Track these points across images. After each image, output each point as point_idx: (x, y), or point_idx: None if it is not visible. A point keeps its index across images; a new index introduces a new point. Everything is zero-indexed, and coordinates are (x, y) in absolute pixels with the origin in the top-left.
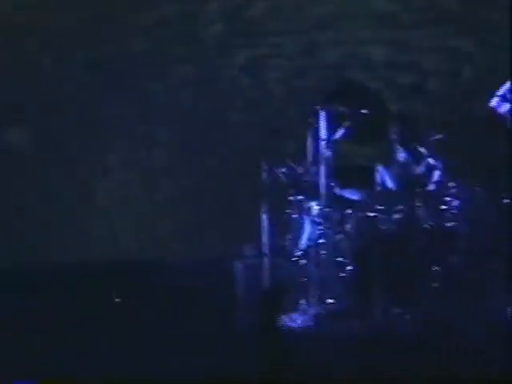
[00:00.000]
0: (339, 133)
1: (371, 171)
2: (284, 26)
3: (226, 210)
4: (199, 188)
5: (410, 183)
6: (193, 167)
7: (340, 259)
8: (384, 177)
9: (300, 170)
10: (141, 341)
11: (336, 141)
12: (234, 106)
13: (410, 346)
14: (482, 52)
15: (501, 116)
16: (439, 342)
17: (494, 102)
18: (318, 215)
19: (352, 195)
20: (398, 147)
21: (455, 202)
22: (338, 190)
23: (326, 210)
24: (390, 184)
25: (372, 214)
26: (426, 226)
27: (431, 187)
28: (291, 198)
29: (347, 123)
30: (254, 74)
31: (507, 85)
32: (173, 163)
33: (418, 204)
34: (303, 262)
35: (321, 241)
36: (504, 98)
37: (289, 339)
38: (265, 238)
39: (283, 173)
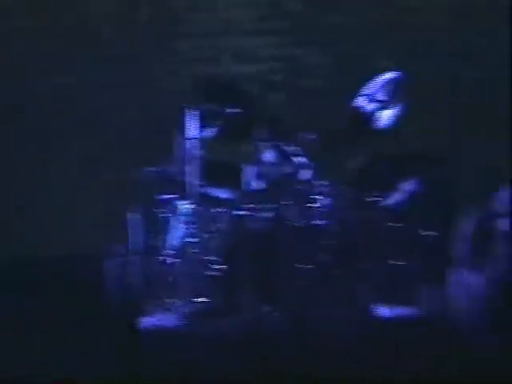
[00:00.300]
0: (208, 131)
1: (240, 170)
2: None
3: (96, 209)
4: (70, 186)
5: (278, 182)
6: (62, 164)
7: (209, 258)
8: (253, 175)
9: (169, 168)
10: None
11: (205, 139)
12: (103, 104)
13: (279, 344)
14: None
15: (365, 115)
16: (307, 340)
17: (358, 101)
18: (188, 214)
19: (221, 194)
20: (267, 146)
21: (323, 201)
22: (207, 189)
23: (196, 208)
24: (258, 183)
25: (241, 213)
26: (294, 224)
27: (299, 186)
28: (160, 196)
29: (216, 122)
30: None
31: (372, 84)
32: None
33: (286, 202)
34: (172, 260)
35: (190, 239)
36: (368, 98)
37: (157, 339)
38: (134, 237)
39: (152, 171)
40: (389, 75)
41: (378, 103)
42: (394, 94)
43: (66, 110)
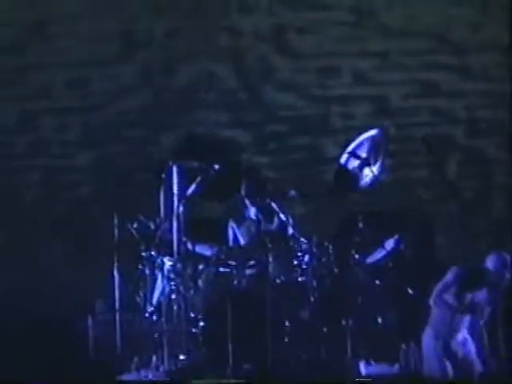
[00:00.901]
0: (191, 188)
1: (223, 227)
2: None
3: (78, 264)
4: (48, 240)
5: (261, 239)
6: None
7: (192, 315)
8: (236, 232)
9: (152, 225)
10: None
11: (188, 196)
12: (82, 160)
13: None
14: None
15: (350, 172)
16: None
17: (343, 158)
18: (170, 270)
19: (204, 251)
20: (249, 203)
21: (306, 258)
22: (190, 246)
23: (179, 265)
24: (241, 239)
25: (224, 270)
26: (277, 280)
27: (283, 243)
28: (143, 253)
29: (199, 178)
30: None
31: (356, 142)
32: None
33: (269, 259)
34: (155, 317)
35: (173, 296)
36: (353, 155)
37: None
38: (116, 294)
39: (135, 228)
40: (371, 133)
41: (360, 160)
42: (376, 151)
43: None
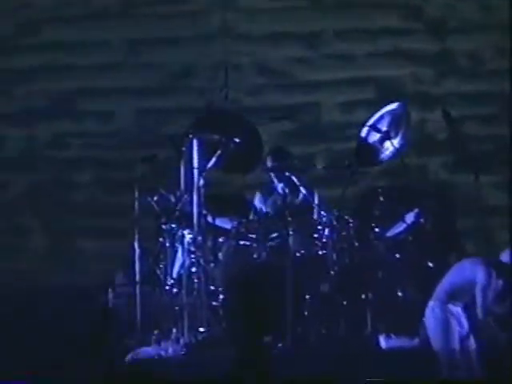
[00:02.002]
0: (211, 161)
1: (243, 200)
2: None
3: (99, 237)
4: (71, 214)
5: (282, 212)
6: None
7: (212, 288)
8: (256, 205)
9: (172, 198)
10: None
11: (208, 169)
12: (105, 131)
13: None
14: None
15: (370, 146)
16: (309, 370)
17: (363, 132)
18: (191, 243)
19: (224, 224)
20: (270, 176)
21: (326, 231)
22: (210, 219)
23: (199, 238)
24: (262, 212)
25: (244, 243)
26: (297, 254)
27: (303, 216)
28: (164, 226)
29: (219, 151)
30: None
31: (377, 115)
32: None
33: (290, 232)
34: (175, 290)
35: (193, 269)
36: (374, 128)
37: (159, 368)
38: (137, 266)
39: (155, 201)
40: (391, 106)
41: (381, 134)
42: (397, 124)
43: None
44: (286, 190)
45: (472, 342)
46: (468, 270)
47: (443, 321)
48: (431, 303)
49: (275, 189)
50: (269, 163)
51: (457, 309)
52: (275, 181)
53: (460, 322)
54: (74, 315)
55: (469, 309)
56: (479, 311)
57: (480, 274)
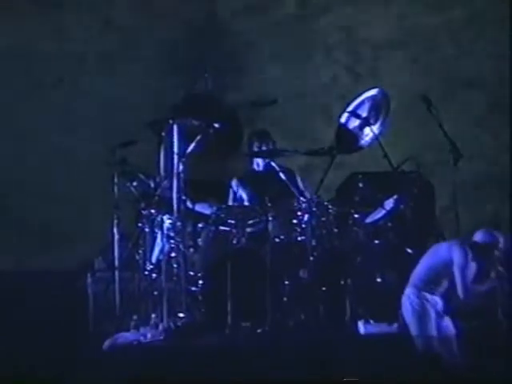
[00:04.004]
0: (191, 146)
1: (223, 185)
2: None
3: (77, 223)
4: (50, 200)
5: (261, 198)
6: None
7: (192, 273)
8: (236, 191)
9: (152, 183)
10: None
11: (188, 154)
12: (84, 118)
13: (259, 358)
14: None
15: (350, 132)
16: (288, 355)
17: (343, 117)
18: (170, 229)
19: (204, 209)
20: (251, 161)
21: (305, 217)
22: (190, 204)
23: (178, 223)
24: (242, 198)
25: (224, 228)
26: (276, 239)
27: (283, 202)
28: (143, 211)
29: (199, 137)
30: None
31: (357, 101)
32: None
33: (269, 218)
34: (154, 275)
35: (173, 254)
36: (354, 114)
37: (138, 353)
38: (116, 252)
39: (135, 186)
40: (371, 92)
41: (361, 120)
42: (377, 110)
43: None
44: (266, 176)
45: (451, 329)
46: (443, 251)
47: (419, 307)
48: (407, 290)
49: (255, 174)
50: (250, 147)
51: (433, 297)
52: (255, 166)
53: (436, 309)
54: (51, 301)
55: (448, 291)
56: (460, 291)
57: (456, 254)
